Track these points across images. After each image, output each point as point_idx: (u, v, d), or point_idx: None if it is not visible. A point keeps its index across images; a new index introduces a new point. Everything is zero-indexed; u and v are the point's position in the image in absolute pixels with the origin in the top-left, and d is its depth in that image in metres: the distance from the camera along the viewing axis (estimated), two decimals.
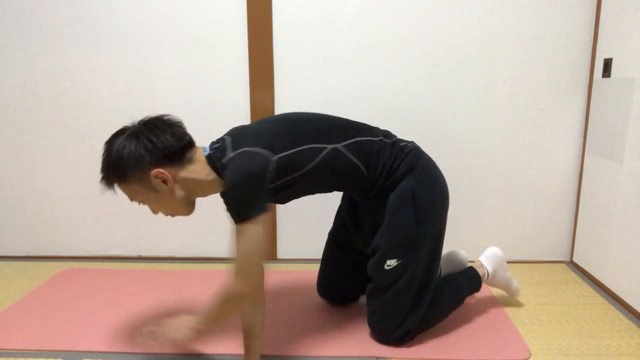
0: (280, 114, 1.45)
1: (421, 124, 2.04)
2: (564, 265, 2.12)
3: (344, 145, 1.34)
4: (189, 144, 1.28)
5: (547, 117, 2.03)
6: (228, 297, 1.23)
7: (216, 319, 1.26)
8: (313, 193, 1.43)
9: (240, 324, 1.36)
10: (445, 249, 1.84)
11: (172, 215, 1.34)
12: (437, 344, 1.47)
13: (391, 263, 1.38)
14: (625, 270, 1.73)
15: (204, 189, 1.30)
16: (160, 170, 1.21)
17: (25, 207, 2.19)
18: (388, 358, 1.41)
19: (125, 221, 2.17)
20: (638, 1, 1.67)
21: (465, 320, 1.61)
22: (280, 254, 2.20)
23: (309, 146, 1.30)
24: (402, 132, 2.04)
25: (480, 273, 1.58)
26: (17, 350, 1.45)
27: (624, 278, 1.73)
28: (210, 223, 2.16)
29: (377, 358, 1.41)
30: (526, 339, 1.51)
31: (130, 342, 1.48)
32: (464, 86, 2.01)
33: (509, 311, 1.68)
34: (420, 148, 1.50)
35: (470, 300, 1.74)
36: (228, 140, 1.27)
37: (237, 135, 1.29)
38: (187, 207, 1.32)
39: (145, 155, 1.19)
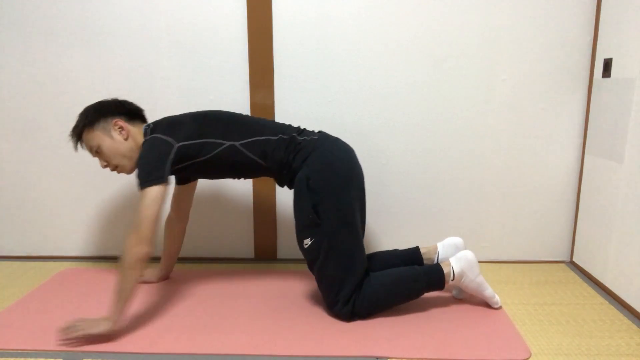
0: (203, 111, 1.69)
1: (421, 124, 2.04)
2: (564, 265, 2.12)
3: (242, 144, 1.60)
4: (143, 117, 1.70)
5: (547, 117, 2.03)
6: (125, 253, 1.45)
7: (124, 282, 1.45)
8: (221, 177, 1.72)
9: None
10: None
11: (117, 170, 1.64)
12: (437, 344, 1.47)
13: (307, 242, 1.59)
14: (625, 270, 1.73)
15: (138, 151, 1.62)
16: (120, 120, 1.60)
17: (25, 207, 2.19)
18: (388, 358, 1.41)
19: (125, 221, 2.17)
20: (638, 1, 1.67)
21: (465, 320, 1.61)
22: (280, 254, 2.20)
23: (209, 140, 1.59)
24: (402, 132, 2.05)
25: (445, 271, 1.62)
26: (17, 350, 1.45)
27: (624, 278, 1.73)
28: (208, 224, 2.16)
29: (377, 358, 1.41)
30: (526, 339, 1.51)
31: (53, 340, 1.49)
32: (464, 86, 2.01)
33: (509, 311, 1.68)
34: (321, 140, 1.64)
35: (470, 300, 1.74)
36: (152, 125, 1.64)
37: (157, 123, 1.65)
38: (131, 162, 1.62)
39: (112, 108, 1.61)
